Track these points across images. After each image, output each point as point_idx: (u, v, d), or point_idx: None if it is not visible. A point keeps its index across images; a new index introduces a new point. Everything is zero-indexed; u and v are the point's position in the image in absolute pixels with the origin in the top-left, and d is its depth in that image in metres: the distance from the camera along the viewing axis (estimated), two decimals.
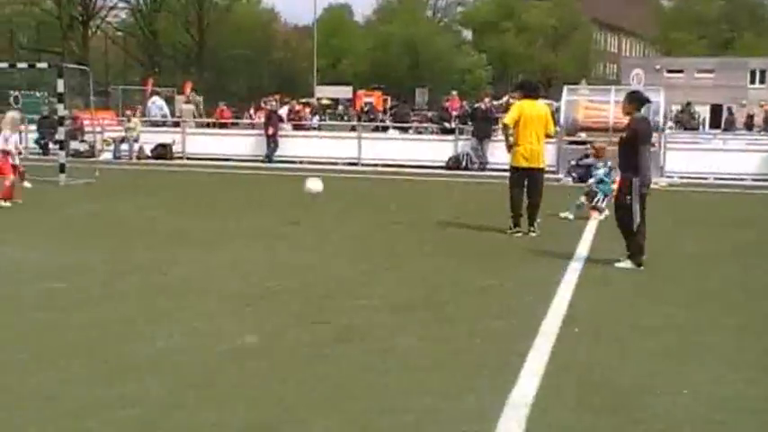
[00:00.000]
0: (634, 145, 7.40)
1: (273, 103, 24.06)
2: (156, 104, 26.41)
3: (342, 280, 6.94)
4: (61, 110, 15.72)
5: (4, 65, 17.24)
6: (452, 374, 4.44)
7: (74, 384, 4.22)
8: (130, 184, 15.85)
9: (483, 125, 20.08)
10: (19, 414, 3.82)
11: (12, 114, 13.16)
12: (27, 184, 13.26)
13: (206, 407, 3.93)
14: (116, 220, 10.57)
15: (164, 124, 25.07)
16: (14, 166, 12.03)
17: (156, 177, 17.33)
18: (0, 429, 3.67)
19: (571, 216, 11.06)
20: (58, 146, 16.18)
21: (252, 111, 30.24)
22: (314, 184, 10.34)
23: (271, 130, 21.66)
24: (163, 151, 22.17)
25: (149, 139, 22.45)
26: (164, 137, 23.01)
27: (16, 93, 28.84)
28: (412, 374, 4.43)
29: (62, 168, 14.87)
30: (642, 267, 7.48)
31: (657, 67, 56.41)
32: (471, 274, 7.22)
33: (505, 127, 9.70)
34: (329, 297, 6.28)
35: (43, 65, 17.18)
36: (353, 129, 24.26)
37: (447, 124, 22.31)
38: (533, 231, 9.56)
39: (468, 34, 73.77)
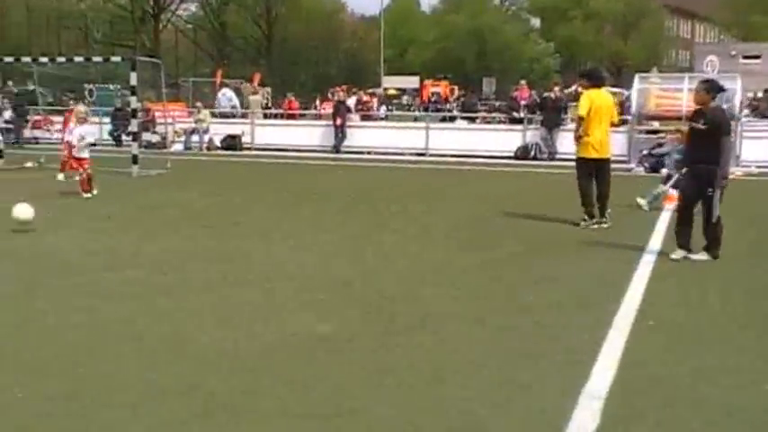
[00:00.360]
0: (714, 135, 7.19)
1: (341, 93, 24.19)
2: (226, 96, 26.88)
3: (415, 270, 6.92)
4: (134, 102, 16.07)
5: (80, 59, 17.82)
6: (524, 366, 4.41)
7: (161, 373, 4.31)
8: (201, 174, 16.15)
9: (552, 115, 19.85)
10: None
11: (78, 108, 13.56)
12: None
13: (281, 394, 3.96)
14: (189, 209, 10.78)
15: (233, 116, 25.48)
16: (78, 159, 12.20)
17: (226, 168, 17.64)
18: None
19: (646, 207, 10.82)
20: (130, 137, 16.57)
21: (318, 102, 30.49)
22: (22, 212, 8.70)
23: (339, 121, 21.80)
24: (232, 142, 22.54)
25: (219, 131, 22.83)
26: (233, 128, 23.36)
27: (91, 86, 29.79)
28: (483, 365, 4.41)
29: (135, 159, 15.20)
30: (718, 260, 7.31)
31: (733, 53, 54.34)
32: (542, 266, 7.14)
33: (581, 119, 9.52)
34: (402, 285, 6.29)
35: (117, 58, 17.68)
36: (416, 119, 24.23)
37: (516, 114, 22.08)
38: (605, 222, 9.42)
39: (536, 22, 72.62)
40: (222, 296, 5.92)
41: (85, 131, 12.30)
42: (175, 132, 23.26)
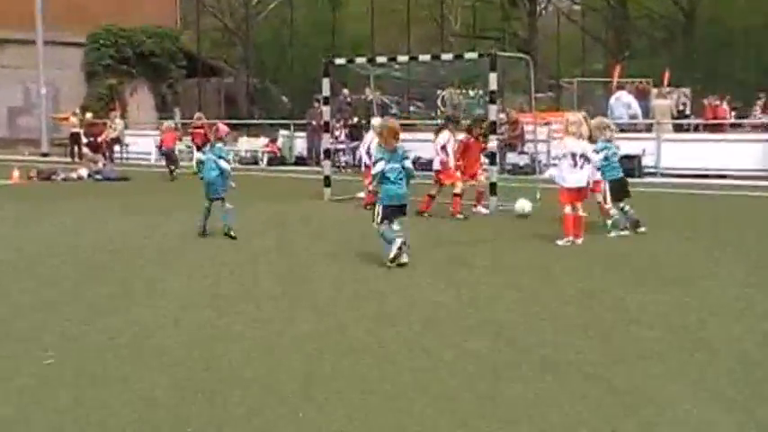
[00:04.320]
0: None
1: None
2: (622, 101, 26.43)
3: None
4: (493, 112, 16.20)
5: (426, 57, 18.41)
6: None
7: None
8: None
9: None
10: None
11: (376, 121, 14.73)
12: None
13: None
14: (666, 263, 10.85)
15: (634, 128, 24.92)
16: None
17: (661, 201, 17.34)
18: None
19: None
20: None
21: (759, 106, 28.39)
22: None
23: None
24: (629, 164, 22.09)
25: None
26: (630, 145, 22.81)
27: (445, 92, 31.20)
28: None
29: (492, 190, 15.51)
30: None
31: None
32: None
33: None
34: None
35: (472, 55, 17.91)
36: None
37: None
38: None
39: None
40: None
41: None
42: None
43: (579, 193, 12.43)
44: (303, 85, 44.27)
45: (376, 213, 10.86)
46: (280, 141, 30.73)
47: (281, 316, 7.98)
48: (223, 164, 13.16)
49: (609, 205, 13.18)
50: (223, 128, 13.80)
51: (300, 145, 30.09)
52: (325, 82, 18.59)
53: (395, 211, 10.84)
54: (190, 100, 43.58)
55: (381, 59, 19.45)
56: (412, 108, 38.22)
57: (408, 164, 10.97)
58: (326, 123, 19.23)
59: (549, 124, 23.85)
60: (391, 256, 10.46)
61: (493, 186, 16.04)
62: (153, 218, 15.41)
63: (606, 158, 13.01)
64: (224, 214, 13.04)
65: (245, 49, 49.69)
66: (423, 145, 25.14)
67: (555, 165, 13.49)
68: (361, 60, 19.54)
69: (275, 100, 49.84)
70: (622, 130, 24.85)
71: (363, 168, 17.23)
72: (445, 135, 15.70)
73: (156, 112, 42.87)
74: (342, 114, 27.79)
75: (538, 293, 8.85)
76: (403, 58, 19.70)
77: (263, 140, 31.33)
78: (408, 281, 9.65)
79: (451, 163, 15.57)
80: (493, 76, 15.99)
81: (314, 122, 27.90)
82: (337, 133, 25.43)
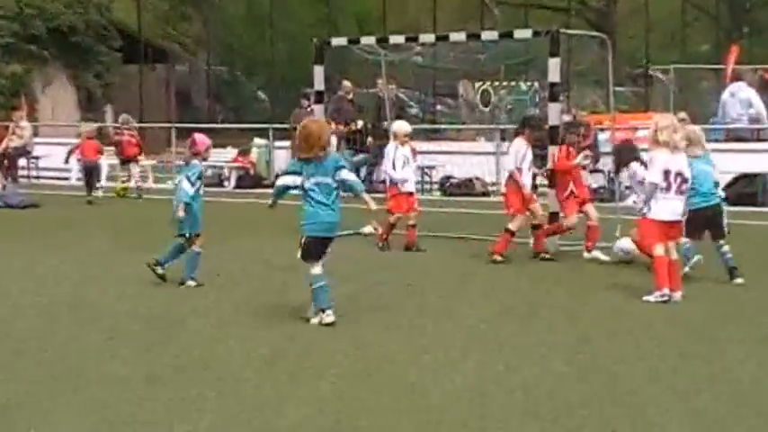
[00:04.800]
0: None
1: None
2: (740, 97, 26.48)
3: None
4: (554, 113, 16.31)
5: (459, 37, 18.36)
6: None
7: None
8: None
9: None
10: None
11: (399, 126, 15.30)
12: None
13: None
14: None
15: (758, 135, 25.02)
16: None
17: None
18: None
19: None
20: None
21: None
22: None
23: None
24: (750, 187, 22.67)
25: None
26: (753, 159, 23.18)
27: (487, 84, 31.26)
28: None
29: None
30: None
31: None
32: None
33: None
34: None
35: (525, 33, 17.84)
36: None
37: None
38: None
39: None
40: None
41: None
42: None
43: (673, 229, 12.48)
44: (287, 76, 44.55)
45: (299, 246, 11.09)
46: (254, 153, 30.78)
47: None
48: (184, 185, 13.41)
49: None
50: (202, 140, 13.92)
51: (282, 158, 30.05)
52: (318, 71, 18.69)
53: (321, 244, 11.07)
54: (128, 95, 43.81)
55: (397, 39, 19.54)
56: (439, 107, 38.33)
57: (345, 175, 11.16)
58: None
59: (633, 130, 23.87)
60: (315, 320, 10.93)
61: (554, 216, 16.03)
62: (77, 265, 15.43)
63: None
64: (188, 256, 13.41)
65: (206, 26, 49.97)
66: (453, 158, 25.21)
67: (640, 184, 13.46)
68: (368, 41, 19.60)
69: (248, 96, 50.17)
70: (740, 139, 24.94)
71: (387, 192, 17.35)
72: (518, 145, 15.97)
73: (80, 112, 42.96)
74: (341, 116, 27.81)
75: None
76: (427, 38, 19.77)
77: (231, 152, 31.39)
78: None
79: (527, 183, 15.81)
80: (554, 63, 16.02)
81: None
82: (334, 141, 25.42)
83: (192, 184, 13.40)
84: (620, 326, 10.94)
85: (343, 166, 11.23)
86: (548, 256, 15.59)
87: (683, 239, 13.12)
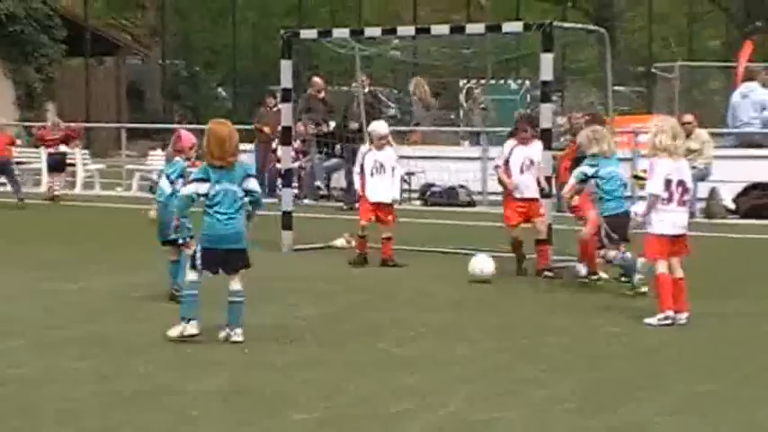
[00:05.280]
0: None
1: None
2: (752, 99, 26.49)
3: None
4: (547, 114, 16.34)
5: (442, 29, 18.38)
6: None
7: None
8: None
9: None
10: None
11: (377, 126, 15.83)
12: None
13: None
14: None
15: None
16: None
17: None
18: None
19: None
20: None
21: None
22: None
23: None
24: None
25: None
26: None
27: (472, 83, 31.27)
28: None
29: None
30: None
31: None
32: None
33: None
34: None
35: (514, 26, 17.86)
36: None
37: None
38: None
39: None
40: None
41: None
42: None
43: (678, 244, 12.49)
44: (252, 72, 44.54)
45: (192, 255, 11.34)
46: None
47: None
48: (161, 183, 13.76)
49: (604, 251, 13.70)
50: (187, 136, 14.17)
51: (246, 162, 30.02)
52: (286, 66, 18.69)
53: (217, 257, 11.21)
54: (73, 91, 43.73)
55: (373, 32, 19.56)
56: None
57: (253, 185, 11.42)
58: (286, 130, 19.38)
59: (635, 135, 23.95)
60: (175, 333, 11.14)
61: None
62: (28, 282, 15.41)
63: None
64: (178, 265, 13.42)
65: (161, 15, 49.92)
66: (437, 165, 25.21)
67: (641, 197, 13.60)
68: (341, 33, 19.61)
69: (207, 94, 50.15)
70: (751, 145, 24.98)
71: (357, 199, 17.44)
72: (507, 144, 16.34)
73: (19, 110, 42.88)
74: (311, 117, 27.80)
75: None
76: (406, 30, 19.81)
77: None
78: None
79: (520, 184, 15.93)
80: (547, 60, 16.01)
81: (266, 129, 27.93)
82: (296, 146, 25.31)
83: (172, 183, 13.51)
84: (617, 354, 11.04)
85: (252, 175, 11.54)
86: (551, 274, 15.57)
87: (612, 253, 13.47)
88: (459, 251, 17.28)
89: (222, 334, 11.03)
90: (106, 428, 8.23)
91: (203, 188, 11.10)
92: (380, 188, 16.82)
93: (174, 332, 11.07)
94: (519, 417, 8.64)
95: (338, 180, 27.25)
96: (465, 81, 32.18)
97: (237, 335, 11.00)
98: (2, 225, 22.61)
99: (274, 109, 25.97)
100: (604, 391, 9.48)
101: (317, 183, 27.03)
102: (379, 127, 17.26)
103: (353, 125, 23.59)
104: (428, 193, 26.03)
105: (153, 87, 49.73)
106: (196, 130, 33.93)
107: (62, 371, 10.00)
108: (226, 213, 11.03)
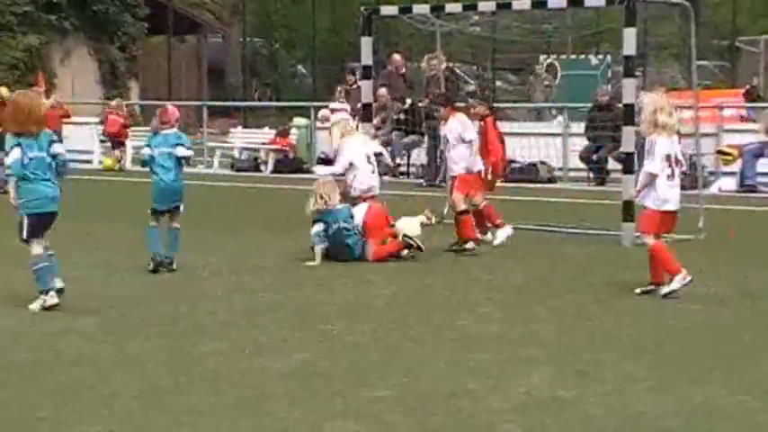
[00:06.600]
0: None
1: None
2: None
3: None
4: (629, 89, 16.20)
5: (522, 4, 18.16)
6: None
7: None
8: None
9: None
10: None
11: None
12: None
13: None
14: None
15: None
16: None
17: None
18: None
19: None
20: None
21: None
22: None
23: None
24: None
25: None
26: None
27: (551, 58, 31.06)
28: None
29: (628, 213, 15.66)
30: None
31: None
32: None
33: None
34: None
35: (596, 0, 17.80)
36: None
37: None
38: None
39: None
40: None
41: None
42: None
43: (674, 219, 12.74)
44: (331, 50, 44.54)
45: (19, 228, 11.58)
46: (293, 135, 30.82)
47: None
48: (181, 150, 13.91)
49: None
50: (173, 110, 14.51)
51: (326, 140, 29.98)
52: (366, 43, 18.67)
53: (46, 220, 11.65)
54: (154, 70, 43.96)
55: (454, 7, 19.50)
56: (499, 83, 38.20)
57: (58, 148, 11.83)
58: (366, 106, 19.34)
59: (719, 109, 23.73)
60: (35, 306, 11.51)
61: (628, 206, 16.01)
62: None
63: None
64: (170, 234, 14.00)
65: None
66: (519, 141, 25.06)
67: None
68: (421, 9, 19.56)
69: (287, 71, 50.18)
70: None
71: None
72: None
73: (103, 88, 43.20)
74: (392, 93, 27.74)
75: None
76: (487, 5, 19.68)
77: (268, 134, 31.41)
78: None
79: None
80: (630, 34, 15.94)
81: (347, 105, 27.90)
82: (376, 122, 25.16)
83: (188, 148, 14.23)
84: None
85: (56, 140, 11.92)
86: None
87: None
88: (539, 228, 17.23)
89: (35, 305, 11.41)
90: (198, 408, 8.26)
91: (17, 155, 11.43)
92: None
93: (35, 306, 11.40)
94: (593, 395, 8.68)
95: (418, 156, 27.27)
96: (545, 56, 32.01)
97: (53, 297, 11.38)
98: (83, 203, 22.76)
99: (355, 86, 25.94)
100: (677, 372, 9.48)
101: (397, 160, 26.96)
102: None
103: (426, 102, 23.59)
104: (508, 169, 25.94)
105: (233, 65, 49.91)
106: (275, 108, 34.03)
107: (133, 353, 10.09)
108: (44, 179, 11.45)
